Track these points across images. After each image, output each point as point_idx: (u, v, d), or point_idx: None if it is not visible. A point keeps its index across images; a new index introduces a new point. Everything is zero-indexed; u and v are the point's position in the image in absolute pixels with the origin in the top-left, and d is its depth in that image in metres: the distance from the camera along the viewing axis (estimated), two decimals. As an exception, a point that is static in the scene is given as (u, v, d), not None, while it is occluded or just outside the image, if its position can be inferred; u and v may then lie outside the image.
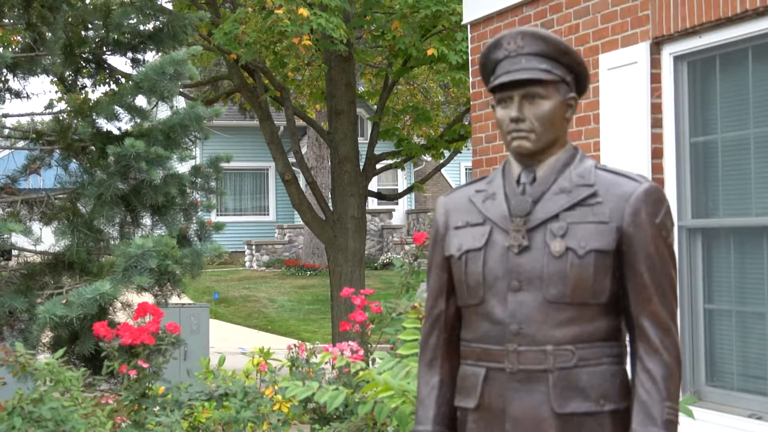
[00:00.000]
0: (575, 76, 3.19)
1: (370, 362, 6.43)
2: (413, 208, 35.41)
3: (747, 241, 6.01)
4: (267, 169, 34.63)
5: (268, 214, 35.09)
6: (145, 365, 5.95)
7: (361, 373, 4.48)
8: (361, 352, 5.96)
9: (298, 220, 33.24)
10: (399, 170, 27.73)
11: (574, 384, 3.01)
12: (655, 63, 6.41)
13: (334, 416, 6.16)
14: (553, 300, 3.02)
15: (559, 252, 3.02)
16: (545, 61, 3.11)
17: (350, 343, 5.96)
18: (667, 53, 6.36)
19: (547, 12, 7.40)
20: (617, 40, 6.65)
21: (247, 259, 32.54)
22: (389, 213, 33.62)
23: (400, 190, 31.54)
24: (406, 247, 31.36)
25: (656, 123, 6.38)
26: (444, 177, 35.62)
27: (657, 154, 6.37)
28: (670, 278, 3.06)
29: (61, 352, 5.40)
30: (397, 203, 34.22)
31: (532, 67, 3.09)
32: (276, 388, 6.41)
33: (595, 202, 3.05)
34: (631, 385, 3.07)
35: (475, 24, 8.33)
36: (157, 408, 5.93)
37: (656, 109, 6.37)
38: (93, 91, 10.71)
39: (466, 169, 35.98)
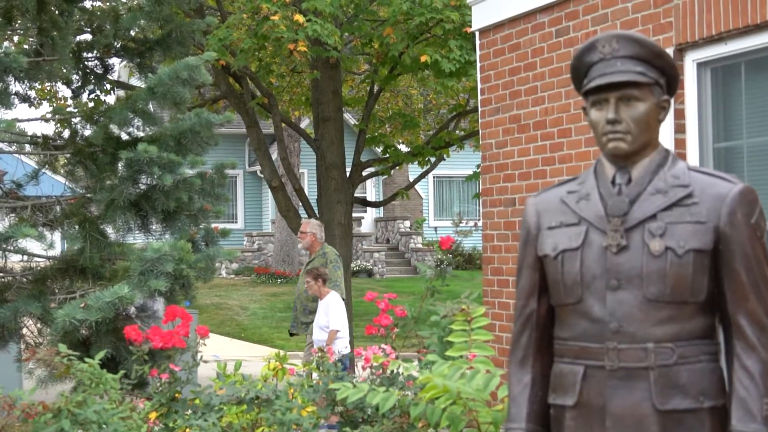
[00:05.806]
0: (667, 78, 3.25)
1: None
2: (381, 216, 35.42)
3: (772, 245, 6.08)
4: (235, 177, 34.50)
5: (236, 222, 34.95)
6: (177, 368, 5.96)
7: (421, 377, 4.52)
8: (394, 355, 5.99)
9: (267, 228, 33.15)
10: (368, 179, 27.72)
11: (675, 381, 3.06)
12: (678, 69, 6.48)
13: (361, 419, 6.18)
14: (652, 298, 3.06)
15: (659, 251, 3.07)
16: (640, 63, 3.17)
17: (383, 346, 6.00)
18: (691, 60, 6.45)
19: (563, 19, 7.43)
20: (638, 47, 6.70)
21: (216, 266, 32.37)
22: (359, 221, 33.61)
23: (368, 198, 31.58)
24: (375, 255, 31.33)
25: (679, 129, 6.46)
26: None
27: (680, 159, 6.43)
28: (765, 277, 3.11)
29: (102, 353, 5.39)
30: (365, 211, 34.23)
31: (627, 70, 3.14)
32: (292, 392, 6.43)
33: (691, 202, 3.11)
34: (727, 382, 3.12)
35: (484, 31, 8.36)
36: (189, 411, 5.93)
37: (679, 114, 6.46)
38: (82, 93, 10.59)
39: (434, 177, 35.94)
